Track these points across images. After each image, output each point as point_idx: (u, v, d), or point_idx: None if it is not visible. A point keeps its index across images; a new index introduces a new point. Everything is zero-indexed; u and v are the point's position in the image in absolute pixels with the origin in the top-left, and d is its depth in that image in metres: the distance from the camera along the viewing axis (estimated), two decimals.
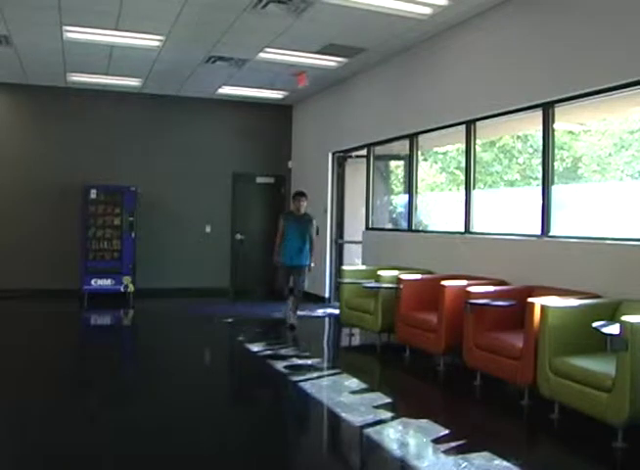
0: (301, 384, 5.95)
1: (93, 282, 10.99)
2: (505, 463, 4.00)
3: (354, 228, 10.94)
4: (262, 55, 9.24)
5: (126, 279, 11.13)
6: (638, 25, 5.47)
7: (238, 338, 8.36)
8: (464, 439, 4.49)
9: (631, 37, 5.53)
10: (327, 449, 4.71)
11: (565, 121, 6.79)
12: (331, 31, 8.17)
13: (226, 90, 11.75)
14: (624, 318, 4.34)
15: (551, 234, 6.45)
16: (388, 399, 5.53)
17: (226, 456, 4.21)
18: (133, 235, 11.30)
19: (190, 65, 9.93)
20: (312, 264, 8.99)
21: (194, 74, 10.54)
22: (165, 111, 12.25)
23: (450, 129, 8.16)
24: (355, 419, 4.89)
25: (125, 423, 4.83)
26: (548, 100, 6.45)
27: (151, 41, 8.62)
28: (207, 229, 12.56)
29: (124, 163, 11.85)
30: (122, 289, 11.09)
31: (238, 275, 12.75)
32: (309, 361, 6.91)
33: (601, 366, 4.51)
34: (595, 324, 4.64)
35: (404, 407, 5.52)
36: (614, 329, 4.38)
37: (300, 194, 9.01)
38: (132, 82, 11.20)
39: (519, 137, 8.56)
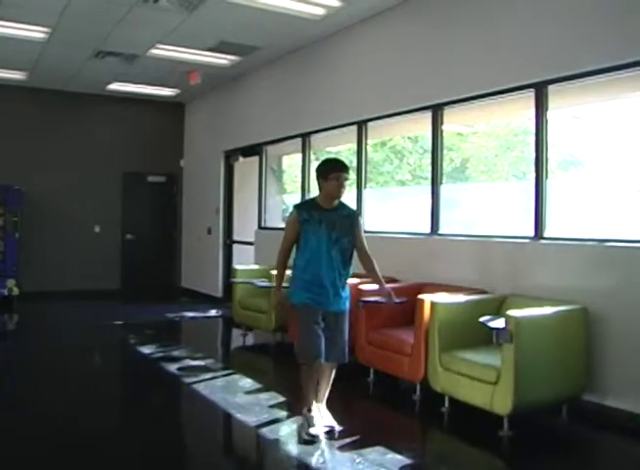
0: (195, 385, 5.86)
1: None
2: (398, 457, 4.10)
3: (245, 228, 10.90)
4: (154, 51, 9.05)
5: (10, 282, 10.62)
6: (522, 34, 5.73)
7: (129, 341, 8.16)
8: (358, 434, 4.55)
9: (516, 44, 5.78)
10: (222, 451, 4.66)
11: (454, 123, 7.00)
12: (223, 29, 8.10)
13: (116, 86, 11.43)
14: (509, 313, 4.53)
15: (440, 232, 6.64)
16: (283, 398, 5.54)
17: (117, 462, 4.10)
18: (17, 235, 10.81)
19: (78, 59, 9.59)
20: (394, 296, 4.83)
21: (82, 69, 10.19)
22: (52, 106, 11.77)
23: (342, 129, 8.25)
24: (250, 419, 4.87)
25: (4, 431, 4.62)
26: (437, 102, 6.63)
27: (36, 33, 8.25)
28: (97, 229, 12.18)
29: (8, 160, 11.26)
30: (6, 292, 10.58)
31: (129, 276, 12.45)
32: (202, 362, 6.82)
33: (488, 359, 4.69)
34: (481, 319, 4.81)
35: (299, 406, 5.53)
36: (499, 323, 4.56)
37: (340, 167, 4.60)
38: (16, 75, 10.68)
39: (409, 138, 8.78)
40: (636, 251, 4.82)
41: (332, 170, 4.54)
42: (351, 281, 6.41)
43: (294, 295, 4.64)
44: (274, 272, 7.55)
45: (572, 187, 6.08)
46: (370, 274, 4.84)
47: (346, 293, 4.66)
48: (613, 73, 5.06)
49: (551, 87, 5.52)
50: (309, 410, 4.54)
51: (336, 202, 4.61)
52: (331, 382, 4.70)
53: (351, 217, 4.65)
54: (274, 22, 7.68)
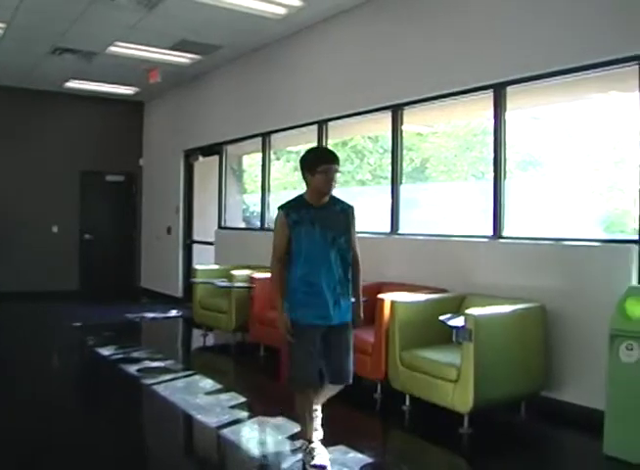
0: (155, 387, 5.81)
1: None
2: (360, 455, 4.12)
3: (205, 228, 10.85)
4: (113, 49, 8.94)
5: None
6: (481, 35, 5.79)
7: (87, 342, 8.04)
8: None
9: (475, 45, 5.85)
10: (183, 452, 4.62)
11: (414, 123, 7.04)
12: (184, 27, 8.04)
13: (74, 84, 11.26)
14: (468, 311, 4.57)
15: (400, 232, 6.68)
16: (244, 399, 5.51)
17: (76, 464, 4.04)
18: None
19: (34, 55, 9.41)
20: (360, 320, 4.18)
21: (39, 66, 10.01)
22: (7, 104, 11.53)
23: (303, 129, 8.24)
24: (211, 420, 4.84)
25: None
26: (397, 102, 6.67)
27: None
28: (54, 229, 11.99)
29: None
30: None
31: (87, 277, 12.29)
32: (162, 364, 6.76)
33: (448, 357, 4.72)
34: (441, 317, 4.85)
35: (260, 406, 5.52)
36: (458, 321, 4.61)
37: (330, 157, 3.98)
38: None
39: (370, 138, 8.81)
40: (591, 250, 4.91)
41: (319, 162, 3.89)
42: None
43: (288, 311, 3.90)
44: (233, 272, 7.61)
45: (531, 187, 6.17)
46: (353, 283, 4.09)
47: (348, 302, 3.99)
48: (569, 75, 5.14)
49: (509, 88, 5.60)
50: (310, 442, 3.99)
51: (326, 197, 3.99)
52: (326, 398, 4.19)
53: (346, 213, 4.05)
54: (235, 20, 7.64)
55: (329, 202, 4.00)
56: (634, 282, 4.55)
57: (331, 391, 4.14)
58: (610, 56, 4.79)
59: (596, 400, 4.51)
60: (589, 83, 5.22)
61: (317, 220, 3.90)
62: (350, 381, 4.04)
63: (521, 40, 5.42)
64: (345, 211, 4.05)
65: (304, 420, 4.03)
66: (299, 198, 4.05)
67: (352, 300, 4.08)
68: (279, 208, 4.00)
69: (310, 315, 3.86)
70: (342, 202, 4.10)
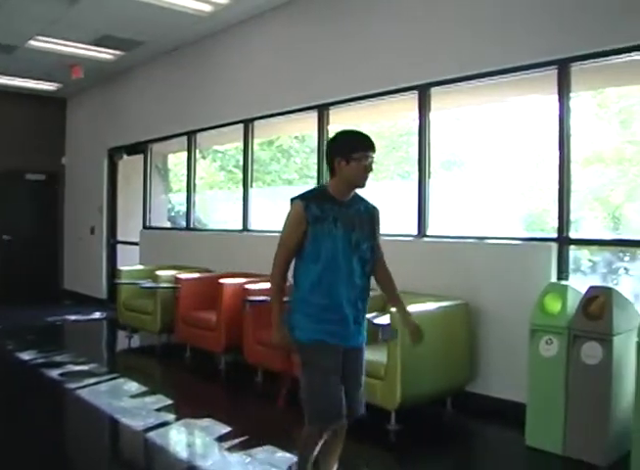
0: (78, 391, 5.69)
1: None
2: (288, 455, 4.12)
3: (129, 227, 10.67)
4: (33, 43, 8.65)
5: None
6: (406, 36, 5.87)
7: (6, 346, 7.79)
8: (247, 435, 4.55)
9: (400, 46, 5.93)
10: (109, 457, 4.52)
11: (340, 123, 7.07)
12: (106, 22, 7.86)
13: None
14: (393, 309, 4.61)
15: None
16: (170, 401, 5.46)
17: None
18: None
19: None
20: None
21: None
22: None
23: (229, 128, 8.18)
24: (137, 424, 4.76)
25: None
26: (322, 102, 6.69)
27: None
28: None
29: None
30: None
31: (6, 279, 11.87)
32: (86, 367, 6.61)
33: (374, 355, 4.75)
34: (367, 316, 4.88)
35: (187, 408, 5.47)
36: (383, 320, 4.65)
37: (370, 144, 3.20)
38: None
39: (296, 137, 8.81)
40: (513, 248, 5.04)
41: (358, 148, 3.16)
42: (237, 281, 6.42)
43: (298, 328, 3.20)
44: (158, 272, 7.50)
45: (455, 186, 6.29)
46: (386, 290, 3.57)
47: (365, 321, 3.35)
48: (492, 78, 5.27)
49: (434, 89, 5.69)
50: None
51: (352, 193, 3.27)
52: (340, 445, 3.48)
53: (371, 214, 3.31)
54: (159, 16, 7.52)
55: (352, 199, 3.28)
56: (554, 279, 4.69)
57: (340, 435, 3.41)
58: (531, 60, 4.93)
59: (518, 394, 4.63)
60: (511, 86, 5.36)
61: (340, 218, 3.17)
62: (363, 411, 3.36)
63: (445, 43, 5.53)
64: (370, 213, 3.32)
65: (306, 458, 3.39)
66: (322, 189, 3.37)
67: (393, 309, 3.79)
68: (296, 198, 3.24)
69: (329, 335, 3.15)
70: (366, 200, 3.36)
